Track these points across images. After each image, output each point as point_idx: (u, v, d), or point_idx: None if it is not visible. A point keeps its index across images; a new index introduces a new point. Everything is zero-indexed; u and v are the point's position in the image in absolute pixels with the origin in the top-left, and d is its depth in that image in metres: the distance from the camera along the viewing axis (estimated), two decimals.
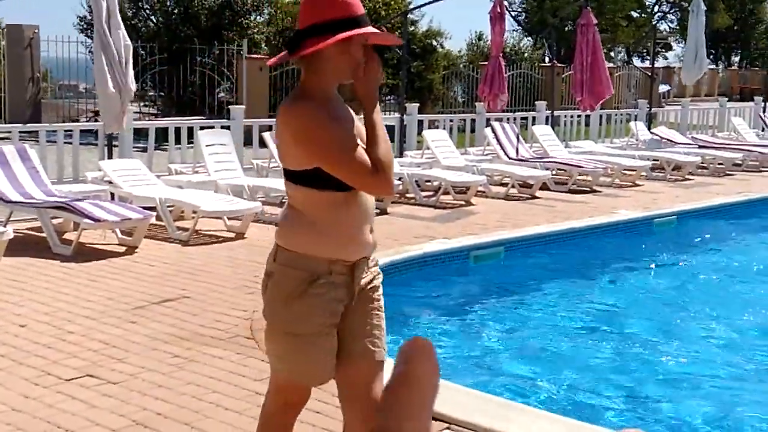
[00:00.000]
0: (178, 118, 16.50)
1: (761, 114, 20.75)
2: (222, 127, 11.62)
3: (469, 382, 5.04)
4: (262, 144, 11.99)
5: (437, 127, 15.08)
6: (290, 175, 2.81)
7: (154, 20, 24.44)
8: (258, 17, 25.64)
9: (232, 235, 9.06)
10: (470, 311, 7.24)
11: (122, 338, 5.56)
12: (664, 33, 52.05)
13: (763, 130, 20.16)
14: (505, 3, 14.99)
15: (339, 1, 2.70)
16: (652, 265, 9.22)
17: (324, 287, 2.78)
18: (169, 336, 5.62)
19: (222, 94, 23.41)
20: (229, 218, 9.29)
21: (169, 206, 9.18)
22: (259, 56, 22.84)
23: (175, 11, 23.78)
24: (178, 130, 11.79)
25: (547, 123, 16.12)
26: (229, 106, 13.12)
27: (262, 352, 5.29)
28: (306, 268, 2.78)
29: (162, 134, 12.69)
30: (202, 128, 11.20)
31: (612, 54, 41.60)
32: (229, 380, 4.82)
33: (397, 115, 15.13)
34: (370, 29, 2.73)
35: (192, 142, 11.42)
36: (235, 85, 22.08)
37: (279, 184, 10.53)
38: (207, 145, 10.56)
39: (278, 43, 24.54)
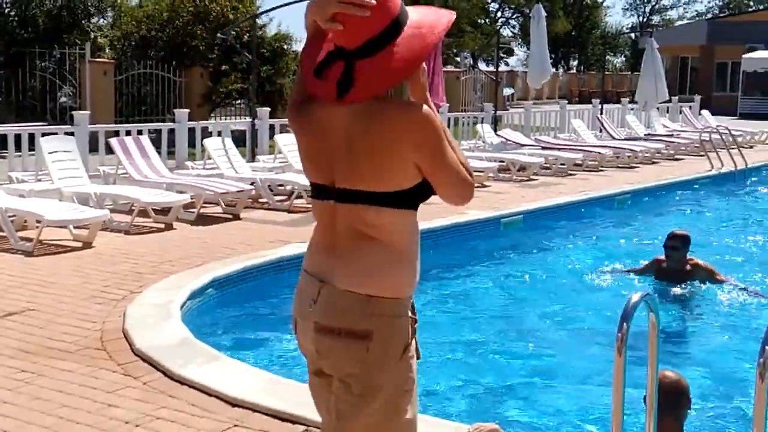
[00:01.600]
0: (19, 125, 15.84)
1: (598, 116, 21.73)
2: (66, 134, 11.23)
3: None
4: (109, 150, 11.66)
5: (289, 132, 15.05)
6: (392, 199, 2.31)
7: None
8: (101, 20, 24.91)
9: (79, 244, 8.75)
10: None
11: None
12: (507, 38, 53.75)
13: (600, 131, 21.09)
14: None
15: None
16: (500, 264, 9.51)
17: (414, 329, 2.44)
18: (14, 351, 5.39)
19: (64, 99, 22.59)
20: (75, 227, 8.98)
21: (10, 216, 8.80)
22: (103, 60, 22.18)
23: (11, 14, 22.78)
24: (18, 137, 11.31)
25: None
26: (73, 112, 12.70)
27: (113, 363, 5.15)
28: (408, 313, 2.39)
29: (1, 141, 12.14)
30: (44, 135, 10.79)
31: (458, 59, 42.65)
32: (80, 393, 4.67)
33: (248, 119, 15.02)
34: (425, 27, 2.32)
35: (33, 149, 10.98)
36: (78, 89, 21.36)
37: (127, 191, 10.29)
38: (50, 152, 10.18)
39: (123, 46, 23.90)
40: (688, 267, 7.84)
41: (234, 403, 4.50)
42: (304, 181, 11.51)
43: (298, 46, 24.07)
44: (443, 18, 2.34)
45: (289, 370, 5.52)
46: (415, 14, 2.33)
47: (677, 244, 7.78)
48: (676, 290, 7.76)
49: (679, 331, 7.25)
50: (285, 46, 24.37)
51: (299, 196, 11.58)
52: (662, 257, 7.99)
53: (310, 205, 11.50)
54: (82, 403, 4.52)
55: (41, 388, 4.74)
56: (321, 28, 2.33)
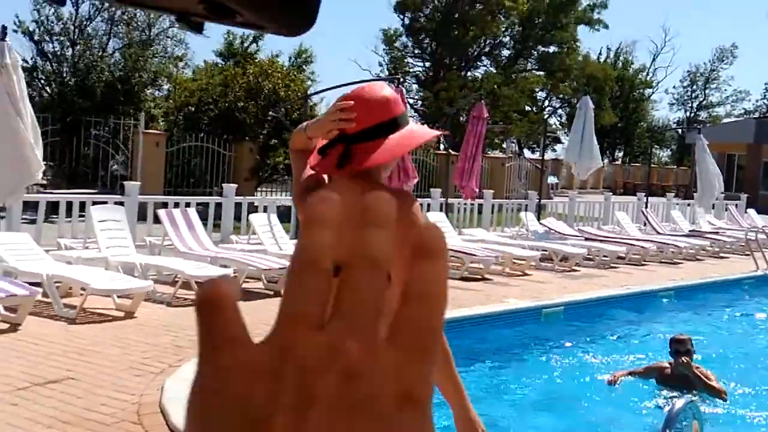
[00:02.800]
0: (70, 192, 16.20)
1: (643, 210, 21.64)
2: (116, 203, 11.45)
3: None
4: (156, 220, 11.85)
5: None
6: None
7: (49, 91, 24.06)
8: (156, 92, 25.57)
9: (122, 314, 8.85)
10: None
11: (2, 422, 5.34)
12: (554, 127, 54.08)
13: (644, 224, 20.98)
14: (401, 89, 15.46)
15: (384, 101, 2.68)
16: (537, 355, 9.41)
17: None
18: (51, 420, 5.42)
19: (116, 167, 23.11)
20: (118, 296, 9.09)
21: (56, 282, 8.93)
22: (156, 131, 22.69)
23: (71, 82, 23.49)
24: (69, 204, 11.55)
25: (441, 210, 16.44)
26: (124, 182, 12.96)
27: None
28: None
29: (52, 207, 12.42)
30: (94, 203, 11.01)
31: (504, 145, 42.93)
32: None
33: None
34: (418, 131, 2.75)
35: (83, 216, 11.20)
36: (130, 159, 21.83)
37: (171, 262, 10.41)
38: (99, 221, 10.38)
39: (176, 119, 24.46)
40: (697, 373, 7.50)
41: None
42: None
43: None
44: (429, 133, 2.87)
45: None
46: (412, 125, 2.78)
47: (688, 347, 7.51)
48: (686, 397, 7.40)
49: None
50: None
51: None
52: (665, 363, 7.71)
53: None
54: None
55: None
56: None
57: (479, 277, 13.27)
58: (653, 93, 69.30)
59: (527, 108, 46.66)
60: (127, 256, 10.33)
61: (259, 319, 6.12)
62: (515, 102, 40.23)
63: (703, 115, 69.43)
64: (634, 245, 17.05)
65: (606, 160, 58.12)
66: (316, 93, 21.00)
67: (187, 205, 12.44)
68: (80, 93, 22.70)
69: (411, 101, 43.55)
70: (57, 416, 5.49)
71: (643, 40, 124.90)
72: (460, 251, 13.64)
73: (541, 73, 47.63)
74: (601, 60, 60.95)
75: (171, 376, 6.45)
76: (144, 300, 9.22)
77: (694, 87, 70.09)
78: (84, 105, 22.35)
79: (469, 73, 46.49)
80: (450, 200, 17.33)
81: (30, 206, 12.18)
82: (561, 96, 51.22)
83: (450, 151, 22.91)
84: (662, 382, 7.72)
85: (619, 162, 61.99)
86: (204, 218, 12.62)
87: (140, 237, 11.82)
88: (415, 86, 46.38)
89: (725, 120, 63.88)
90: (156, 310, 9.24)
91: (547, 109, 53.89)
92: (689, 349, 7.53)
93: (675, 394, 7.38)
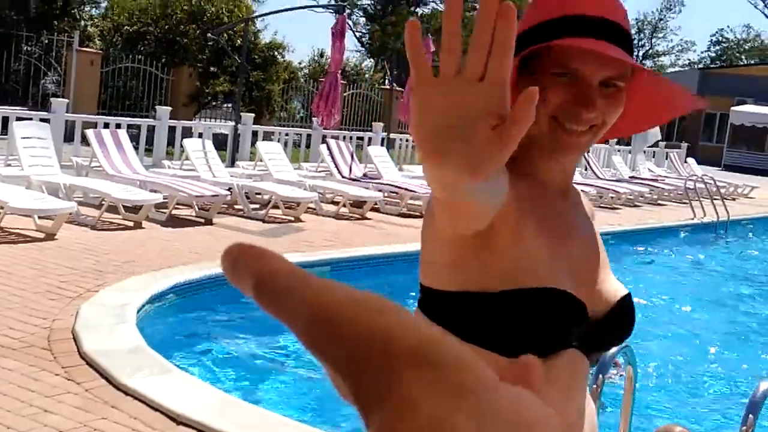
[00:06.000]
0: None
1: (585, 154, 21.58)
2: (42, 120, 10.92)
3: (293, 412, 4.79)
4: (85, 141, 11.35)
5: (272, 140, 14.79)
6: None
7: None
8: (93, 10, 24.61)
9: (42, 235, 8.44)
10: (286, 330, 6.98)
11: None
12: None
13: (585, 169, 20.95)
14: (349, 22, 15.02)
15: None
16: None
17: None
18: None
19: (48, 86, 22.27)
20: (39, 217, 8.65)
21: None
22: (91, 50, 21.87)
23: None
24: None
25: (382, 144, 16.15)
26: (51, 99, 12.39)
27: (57, 364, 4.86)
28: None
29: None
30: (18, 119, 10.47)
31: None
32: (17, 395, 4.37)
33: (231, 123, 14.73)
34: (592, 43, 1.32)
35: (7, 133, 10.67)
36: (63, 77, 21.03)
37: (98, 185, 9.98)
38: (22, 138, 9.87)
39: (113, 38, 23.60)
40: None
41: (179, 421, 4.21)
42: (282, 191, 11.24)
43: (291, 57, 23.89)
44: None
45: (243, 390, 5.23)
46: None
47: None
48: None
49: None
50: (277, 55, 24.18)
51: (275, 206, 11.30)
52: None
53: (285, 216, 11.24)
54: (16, 406, 4.22)
55: None
56: None
57: (418, 214, 13.06)
58: None
59: None
60: (51, 176, 9.86)
61: (188, 246, 5.85)
62: (463, 41, 39.84)
63: (648, 63, 69.76)
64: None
65: None
66: (259, 16, 20.38)
67: (118, 126, 11.94)
68: (12, 5, 21.71)
69: (358, 34, 42.86)
70: None
71: None
72: (399, 187, 13.39)
73: None
74: None
75: (88, 302, 6.12)
76: (67, 222, 8.82)
77: (641, 35, 70.29)
78: (15, 18, 21.39)
79: (419, 9, 45.88)
80: (392, 135, 17.03)
81: None
82: None
83: (395, 85, 22.54)
84: None
85: None
86: (136, 141, 12.15)
87: (67, 157, 11.33)
88: (362, 19, 45.62)
89: (670, 70, 64.35)
90: (79, 232, 8.84)
91: None
92: None
93: None
